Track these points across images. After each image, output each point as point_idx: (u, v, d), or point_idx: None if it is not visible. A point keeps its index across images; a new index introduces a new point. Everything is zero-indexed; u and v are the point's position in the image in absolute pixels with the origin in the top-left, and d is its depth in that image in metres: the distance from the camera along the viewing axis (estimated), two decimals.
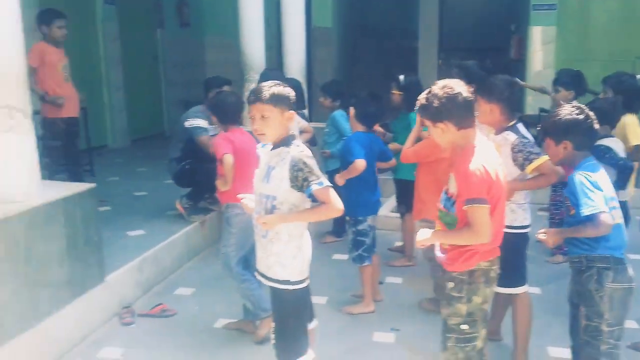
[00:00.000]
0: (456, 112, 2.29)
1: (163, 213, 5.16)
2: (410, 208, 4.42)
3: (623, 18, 8.52)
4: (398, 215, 4.88)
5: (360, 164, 3.45)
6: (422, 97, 2.36)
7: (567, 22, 8.65)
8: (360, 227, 3.63)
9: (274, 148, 2.49)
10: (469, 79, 4.06)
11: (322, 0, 7.28)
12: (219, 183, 3.21)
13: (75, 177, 5.57)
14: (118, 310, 3.71)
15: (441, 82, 2.36)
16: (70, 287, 3.21)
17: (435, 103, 2.29)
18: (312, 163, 2.38)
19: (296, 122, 4.22)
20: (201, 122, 4.74)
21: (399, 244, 4.99)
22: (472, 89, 3.99)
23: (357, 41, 11.41)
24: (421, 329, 3.53)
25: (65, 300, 3.18)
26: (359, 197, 3.57)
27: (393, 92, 4.51)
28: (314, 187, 2.33)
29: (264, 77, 4.68)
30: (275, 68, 5.23)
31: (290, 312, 2.51)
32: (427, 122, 2.36)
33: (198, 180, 4.90)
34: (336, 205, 2.39)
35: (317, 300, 3.61)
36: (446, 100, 2.28)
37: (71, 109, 5.13)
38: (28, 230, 2.84)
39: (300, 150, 2.41)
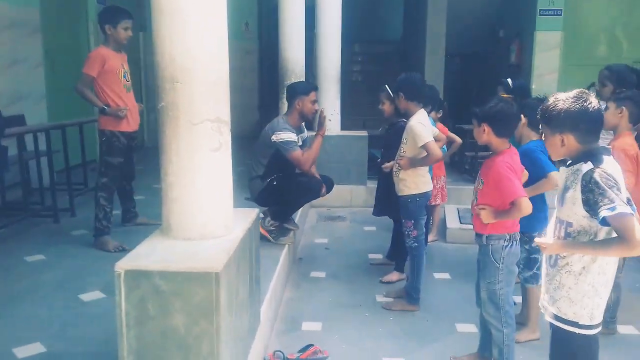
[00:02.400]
0: None
1: None
2: None
3: (623, 23, 8.79)
4: None
5: (555, 176, 3.14)
6: None
7: (572, 27, 8.81)
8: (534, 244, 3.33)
9: (570, 164, 2.16)
10: (619, 84, 3.89)
11: None
12: (484, 215, 2.72)
13: (127, 197, 4.92)
14: (263, 354, 3.17)
15: None
16: (251, 332, 2.68)
17: None
18: (608, 183, 1.99)
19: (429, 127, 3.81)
20: (291, 135, 4.26)
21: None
22: (622, 94, 3.85)
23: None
24: None
25: (248, 350, 2.64)
26: (540, 212, 3.26)
27: (502, 95, 4.24)
28: (604, 213, 1.94)
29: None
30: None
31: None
32: None
33: (286, 198, 4.40)
34: (634, 240, 1.91)
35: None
36: None
37: (132, 121, 4.47)
38: (236, 273, 2.30)
39: (597, 166, 2.06)
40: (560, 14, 8.65)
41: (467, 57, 10.81)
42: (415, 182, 3.76)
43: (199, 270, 2.00)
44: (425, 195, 3.81)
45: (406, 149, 3.74)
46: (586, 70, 8.72)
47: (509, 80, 4.35)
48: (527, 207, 2.61)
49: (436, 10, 8.64)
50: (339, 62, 6.59)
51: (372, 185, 6.66)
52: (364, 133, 6.66)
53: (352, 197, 6.58)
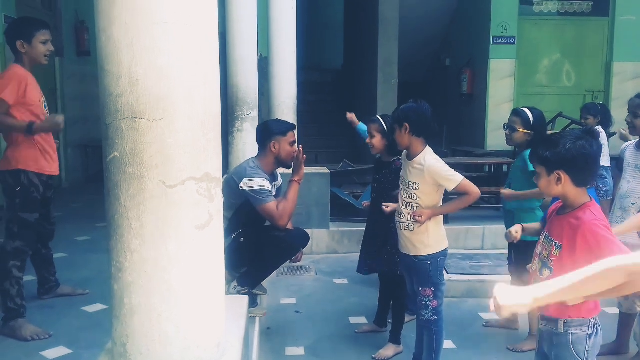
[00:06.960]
0: None
1: None
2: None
3: (574, 53, 8.61)
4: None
5: None
6: None
7: (525, 56, 8.55)
8: None
9: None
10: None
11: None
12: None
13: (45, 263, 3.85)
14: None
15: None
16: None
17: None
18: None
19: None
20: (264, 183, 3.43)
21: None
22: None
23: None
24: None
25: None
26: None
27: (519, 129, 3.46)
28: None
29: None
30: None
31: None
32: None
33: (259, 259, 3.53)
34: None
35: None
36: None
37: (54, 163, 3.48)
38: None
39: None
40: (514, 42, 8.36)
41: (414, 87, 10.37)
42: (436, 239, 2.97)
43: None
44: (444, 254, 3.04)
45: (421, 196, 2.95)
46: (539, 100, 8.48)
47: (526, 110, 3.54)
48: None
49: (387, 37, 8.11)
50: (295, 91, 5.83)
51: (335, 228, 5.92)
52: (325, 170, 5.89)
53: (313, 242, 5.75)
